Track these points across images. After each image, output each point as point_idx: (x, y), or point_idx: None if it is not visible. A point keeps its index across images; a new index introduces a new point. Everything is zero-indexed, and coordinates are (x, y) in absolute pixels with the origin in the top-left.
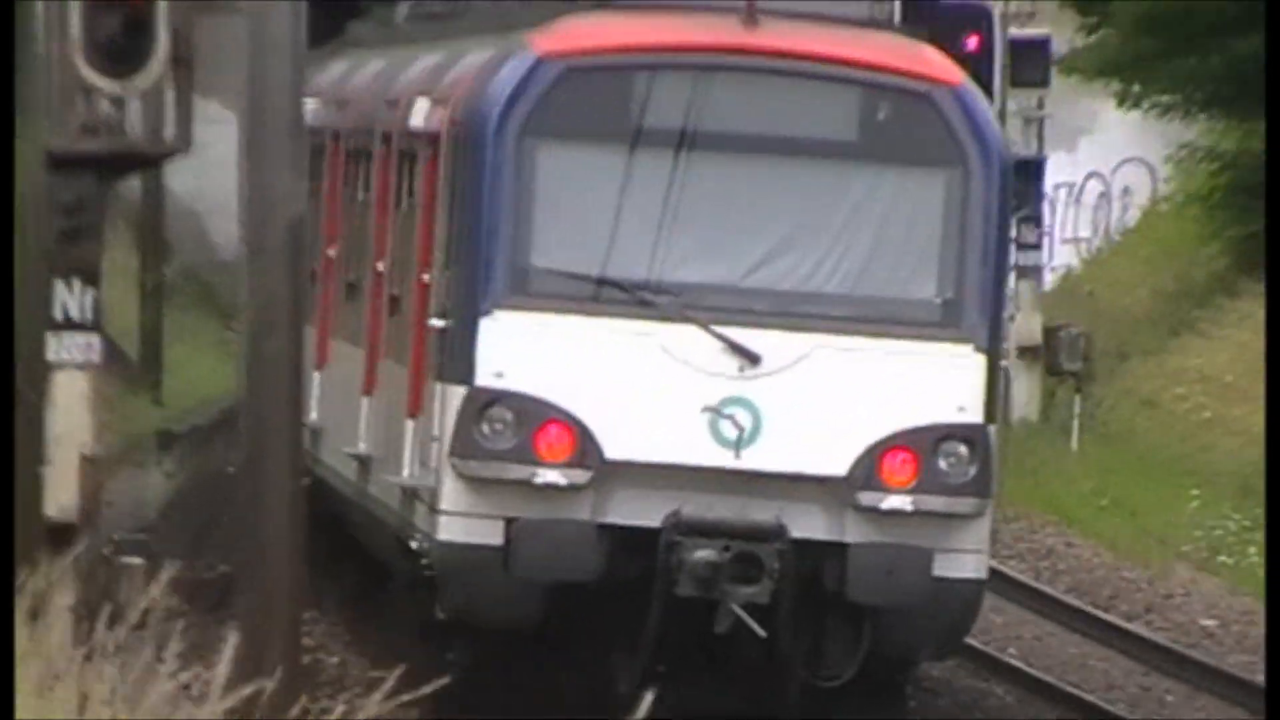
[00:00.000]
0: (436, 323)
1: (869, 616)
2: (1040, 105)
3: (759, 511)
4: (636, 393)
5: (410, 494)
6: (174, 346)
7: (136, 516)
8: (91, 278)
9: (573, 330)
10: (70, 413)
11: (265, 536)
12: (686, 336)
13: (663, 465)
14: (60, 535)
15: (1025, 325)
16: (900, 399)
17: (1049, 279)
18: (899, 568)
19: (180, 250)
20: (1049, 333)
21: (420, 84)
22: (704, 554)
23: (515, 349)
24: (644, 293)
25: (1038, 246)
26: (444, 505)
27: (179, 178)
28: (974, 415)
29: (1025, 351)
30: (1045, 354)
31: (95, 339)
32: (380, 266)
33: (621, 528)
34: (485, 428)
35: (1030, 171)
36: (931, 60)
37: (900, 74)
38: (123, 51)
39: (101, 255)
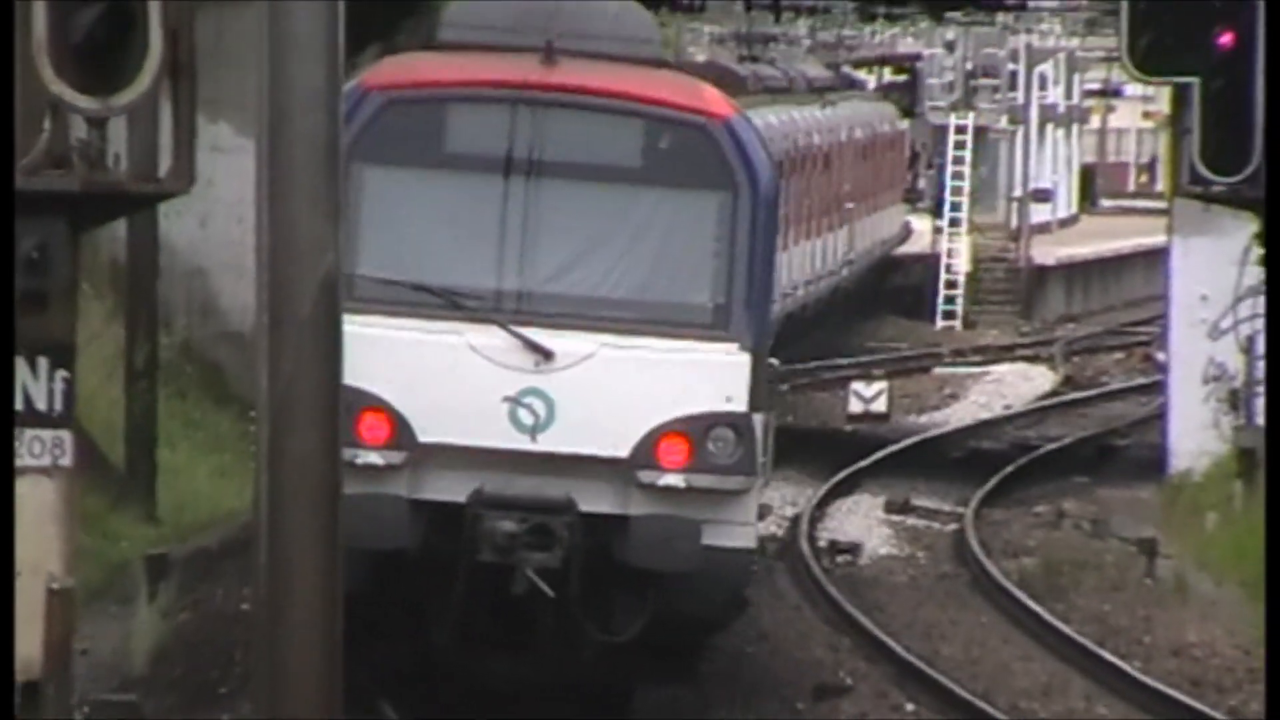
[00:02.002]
0: None
1: (651, 580)
2: None
3: (552, 488)
4: (447, 385)
5: None
6: (171, 446)
7: (120, 669)
8: (62, 356)
9: (392, 330)
10: (35, 532)
11: (289, 699)
12: (490, 336)
13: (468, 448)
14: (20, 694)
15: None
16: (676, 391)
17: None
18: (674, 537)
19: (179, 319)
20: None
21: None
22: (503, 525)
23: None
24: (454, 297)
25: None
26: None
27: (178, 225)
28: (740, 405)
29: None
30: None
31: (67, 436)
32: None
33: (433, 503)
34: None
35: None
36: (707, 96)
37: (679, 108)
38: (104, 56)
39: (75, 326)
